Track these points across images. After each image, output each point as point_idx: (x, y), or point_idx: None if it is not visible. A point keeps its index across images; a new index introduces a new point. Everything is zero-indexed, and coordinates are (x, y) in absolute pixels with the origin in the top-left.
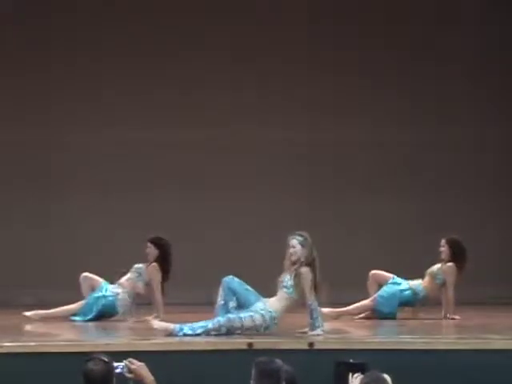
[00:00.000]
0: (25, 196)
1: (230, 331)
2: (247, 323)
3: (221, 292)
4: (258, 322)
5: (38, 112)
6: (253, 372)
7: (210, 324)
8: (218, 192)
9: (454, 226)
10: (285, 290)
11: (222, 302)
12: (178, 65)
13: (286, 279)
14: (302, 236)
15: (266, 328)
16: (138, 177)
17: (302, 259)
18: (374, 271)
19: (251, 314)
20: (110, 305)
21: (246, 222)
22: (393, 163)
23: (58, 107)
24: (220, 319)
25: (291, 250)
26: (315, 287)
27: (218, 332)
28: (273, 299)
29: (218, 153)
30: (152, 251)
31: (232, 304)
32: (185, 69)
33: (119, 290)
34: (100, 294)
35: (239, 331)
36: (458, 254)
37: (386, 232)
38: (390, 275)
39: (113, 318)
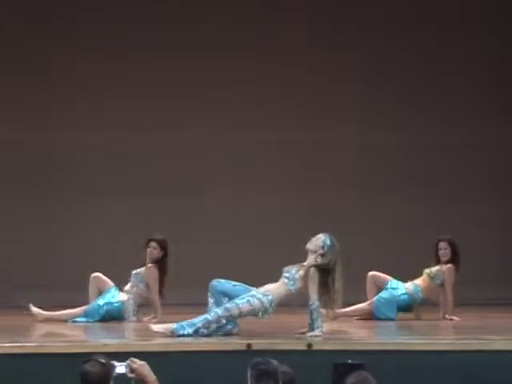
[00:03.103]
0: (25, 197)
1: (228, 321)
2: (245, 308)
3: (210, 297)
4: (255, 306)
5: (39, 113)
6: (249, 373)
7: (208, 317)
8: (218, 193)
9: (453, 226)
10: (286, 280)
11: (214, 307)
12: (178, 66)
13: (293, 271)
14: (330, 240)
15: (265, 312)
16: (138, 177)
17: (319, 260)
18: (371, 273)
19: (248, 298)
20: (114, 311)
21: (246, 222)
22: (392, 164)
23: (59, 108)
24: (217, 311)
25: (313, 239)
26: (328, 291)
27: (218, 323)
28: (271, 286)
29: (218, 154)
30: (156, 252)
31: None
32: (185, 70)
33: (125, 297)
34: (106, 300)
35: (238, 319)
36: (457, 255)
37: (385, 232)
38: (388, 277)
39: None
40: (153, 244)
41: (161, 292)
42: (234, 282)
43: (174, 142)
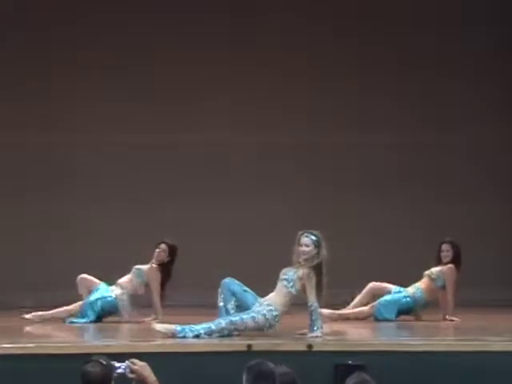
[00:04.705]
0: (25, 197)
1: (231, 333)
2: (250, 325)
3: (220, 294)
4: (260, 323)
5: (39, 113)
6: (245, 377)
7: (212, 326)
8: (219, 194)
9: (453, 227)
10: (285, 283)
11: (222, 304)
12: (178, 67)
13: (290, 273)
14: (315, 236)
15: (269, 327)
16: (138, 178)
17: (316, 260)
18: (372, 284)
19: (253, 315)
20: (108, 305)
21: (246, 223)
22: (392, 165)
23: (59, 109)
24: (222, 322)
25: (304, 249)
26: (320, 289)
27: (220, 334)
28: (272, 295)
29: (219, 155)
30: (163, 255)
31: (231, 305)
32: (184, 71)
33: (118, 291)
34: (98, 295)
35: (242, 332)
36: (459, 257)
37: (385, 233)
38: (390, 286)
39: (112, 320)
40: (163, 246)
41: (162, 295)
42: (245, 288)
43: (174, 144)
